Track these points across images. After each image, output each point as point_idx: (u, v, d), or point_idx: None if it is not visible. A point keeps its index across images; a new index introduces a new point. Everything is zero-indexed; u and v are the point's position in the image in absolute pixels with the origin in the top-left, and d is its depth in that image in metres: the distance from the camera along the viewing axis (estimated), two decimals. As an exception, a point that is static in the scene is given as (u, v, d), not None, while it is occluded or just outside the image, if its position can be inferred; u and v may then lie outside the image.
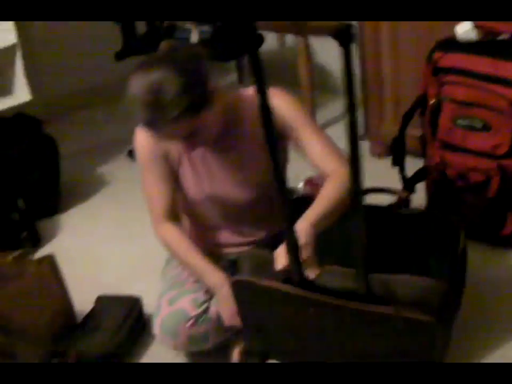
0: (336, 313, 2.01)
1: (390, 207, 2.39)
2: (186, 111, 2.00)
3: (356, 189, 1.74)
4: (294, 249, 1.93)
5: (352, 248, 1.85)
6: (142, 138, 2.31)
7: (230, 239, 2.45)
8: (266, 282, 2.07)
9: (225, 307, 2.24)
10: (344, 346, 2.09)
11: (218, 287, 2.25)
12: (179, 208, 2.39)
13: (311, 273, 2.01)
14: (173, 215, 2.34)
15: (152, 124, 2.05)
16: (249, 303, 2.18)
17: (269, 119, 1.68)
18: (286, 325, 2.16)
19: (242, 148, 2.29)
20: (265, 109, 1.63)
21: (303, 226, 2.01)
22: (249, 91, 2.27)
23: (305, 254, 1.98)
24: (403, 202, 2.40)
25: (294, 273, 1.99)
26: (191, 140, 2.16)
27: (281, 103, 2.20)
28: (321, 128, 2.31)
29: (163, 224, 2.33)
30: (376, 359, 2.06)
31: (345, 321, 2.02)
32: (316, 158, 2.21)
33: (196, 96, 2.01)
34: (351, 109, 1.60)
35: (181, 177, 2.33)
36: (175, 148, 2.28)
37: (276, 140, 1.74)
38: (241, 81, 4.81)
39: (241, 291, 2.15)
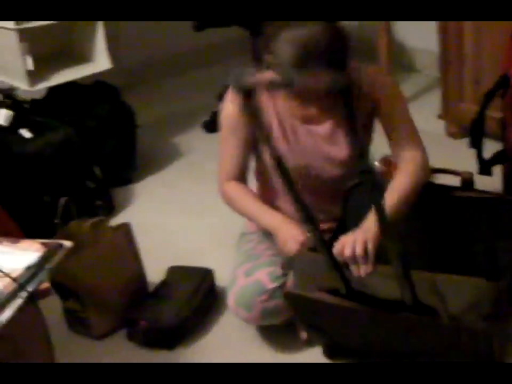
0: (387, 321, 2.00)
1: (454, 188, 2.34)
2: (348, 60, 2.05)
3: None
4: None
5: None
6: (234, 100, 2.28)
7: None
8: (314, 295, 2.07)
9: (283, 241, 2.22)
10: (399, 345, 2.08)
11: (278, 226, 2.24)
12: (247, 175, 2.41)
13: (363, 271, 2.00)
14: (241, 179, 2.37)
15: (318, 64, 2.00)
16: (304, 310, 2.19)
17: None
18: (342, 327, 2.16)
19: (334, 123, 2.29)
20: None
21: (370, 224, 2.03)
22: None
23: (370, 247, 1.99)
24: (467, 184, 2.35)
25: (341, 280, 1.99)
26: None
27: (385, 82, 2.25)
28: (409, 112, 2.31)
29: (229, 182, 2.36)
30: (432, 358, 2.05)
31: (396, 328, 2.01)
32: (397, 142, 2.24)
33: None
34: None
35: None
36: (265, 116, 2.28)
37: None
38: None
39: (293, 300, 2.16)
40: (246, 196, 2.35)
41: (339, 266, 1.99)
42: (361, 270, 2.00)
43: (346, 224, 2.18)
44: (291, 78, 2.00)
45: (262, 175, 2.46)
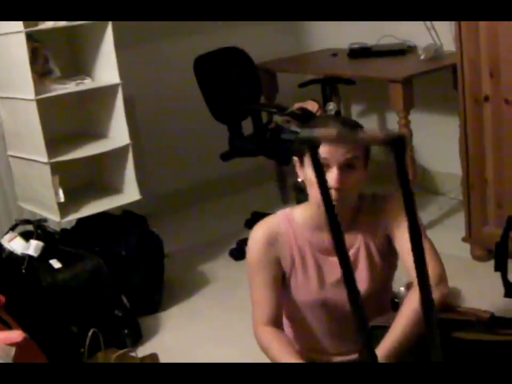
0: None
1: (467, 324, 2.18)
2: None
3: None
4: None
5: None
6: (258, 237, 2.33)
7: (331, 347, 2.43)
8: None
9: None
10: None
11: None
12: (283, 315, 2.39)
13: None
14: (276, 322, 2.34)
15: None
16: None
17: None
18: None
19: (359, 250, 2.30)
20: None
21: (382, 353, 2.03)
22: (368, 195, 2.32)
23: None
24: (483, 324, 2.17)
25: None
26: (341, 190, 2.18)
27: (396, 208, 2.23)
28: (426, 237, 2.27)
29: (264, 328, 2.33)
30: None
31: None
32: (411, 266, 2.21)
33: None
34: (412, 224, 1.57)
35: (292, 282, 2.34)
36: (288, 251, 2.31)
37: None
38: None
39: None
40: (277, 346, 2.29)
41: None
42: None
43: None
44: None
45: (291, 314, 2.46)
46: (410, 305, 2.11)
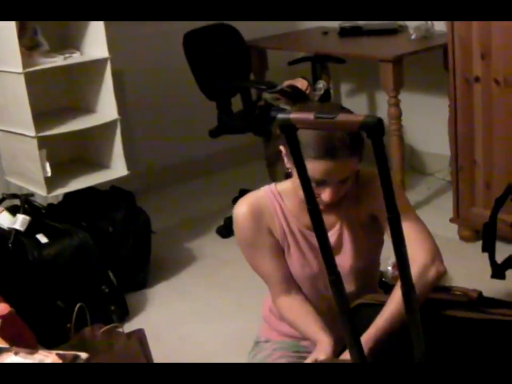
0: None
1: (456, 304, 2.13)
2: (360, 150, 2.09)
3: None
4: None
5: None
6: (243, 212, 2.28)
7: (326, 320, 2.40)
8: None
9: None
10: None
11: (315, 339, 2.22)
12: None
13: None
14: (291, 286, 2.31)
15: (331, 154, 2.05)
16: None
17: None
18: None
19: (342, 228, 2.29)
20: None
21: (366, 340, 2.00)
22: None
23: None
24: (473, 304, 2.11)
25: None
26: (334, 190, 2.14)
27: (379, 186, 2.19)
28: (416, 215, 2.23)
29: (281, 299, 2.30)
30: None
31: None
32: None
33: (362, 142, 2.10)
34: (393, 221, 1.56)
35: (286, 256, 2.33)
36: (277, 223, 2.29)
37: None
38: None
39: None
40: (294, 313, 2.29)
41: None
42: None
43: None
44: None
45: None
46: (398, 291, 2.09)
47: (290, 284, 2.31)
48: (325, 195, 2.12)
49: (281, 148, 2.21)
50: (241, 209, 2.29)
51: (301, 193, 1.81)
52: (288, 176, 2.29)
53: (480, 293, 2.10)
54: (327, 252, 1.76)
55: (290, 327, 2.34)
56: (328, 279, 1.79)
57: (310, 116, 1.55)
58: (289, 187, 2.28)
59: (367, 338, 2.04)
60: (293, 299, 2.31)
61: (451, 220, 3.75)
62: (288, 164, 2.20)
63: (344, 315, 1.81)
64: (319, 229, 1.74)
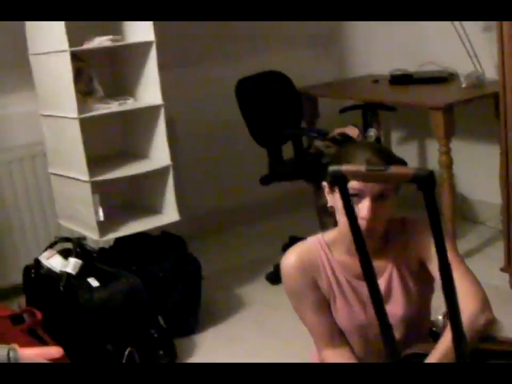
0: None
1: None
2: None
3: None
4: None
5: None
6: (291, 263, 2.29)
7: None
8: None
9: None
10: None
11: None
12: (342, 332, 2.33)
13: None
14: (337, 341, 2.30)
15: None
16: None
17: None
18: None
19: (392, 275, 2.28)
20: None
21: None
22: (397, 219, 2.29)
23: None
24: None
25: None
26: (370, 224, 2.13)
27: (428, 233, 2.18)
28: (465, 265, 2.20)
29: (325, 352, 2.30)
30: None
31: None
32: None
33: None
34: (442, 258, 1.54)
35: (332, 307, 2.32)
36: (323, 275, 2.29)
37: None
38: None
39: None
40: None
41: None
42: None
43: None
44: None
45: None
46: (447, 337, 2.06)
47: (335, 337, 2.30)
48: (363, 211, 2.11)
49: (324, 183, 2.23)
50: (290, 260, 2.30)
51: (347, 239, 1.81)
52: (323, 212, 2.30)
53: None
54: (377, 301, 1.74)
55: None
56: (379, 328, 1.78)
57: (361, 168, 1.56)
58: (336, 236, 2.28)
59: None
60: (337, 353, 2.29)
61: (502, 269, 3.70)
62: (330, 202, 2.21)
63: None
64: (370, 277, 1.73)
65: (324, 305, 2.30)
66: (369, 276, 1.74)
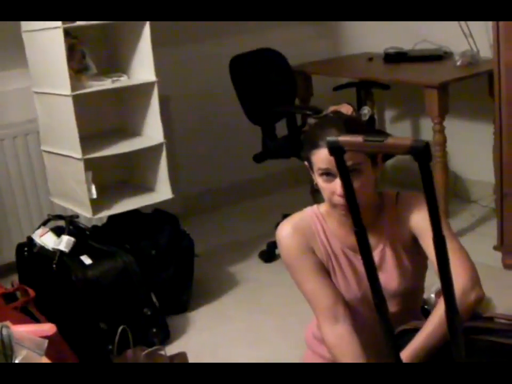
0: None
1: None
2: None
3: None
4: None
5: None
6: (287, 231, 2.30)
7: (368, 342, 2.38)
8: None
9: None
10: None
11: None
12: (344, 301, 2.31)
13: None
14: (339, 313, 2.26)
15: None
16: None
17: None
18: None
19: (385, 248, 2.28)
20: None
21: (406, 357, 2.01)
22: (391, 193, 2.29)
23: None
24: None
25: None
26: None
27: (421, 207, 2.18)
28: (458, 241, 2.22)
29: (328, 327, 2.26)
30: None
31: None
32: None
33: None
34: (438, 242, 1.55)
35: (333, 280, 2.31)
36: (320, 244, 2.29)
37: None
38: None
39: None
40: (344, 351, 2.23)
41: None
42: None
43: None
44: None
45: None
46: (438, 311, 2.08)
47: (338, 309, 2.27)
48: (337, 188, 2.12)
49: (305, 163, 2.23)
50: (285, 229, 2.31)
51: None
52: (316, 191, 2.30)
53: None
54: (372, 274, 1.74)
55: (333, 358, 2.31)
56: (373, 303, 1.78)
57: (359, 138, 1.56)
58: (330, 207, 2.28)
59: (407, 354, 2.03)
60: (339, 331, 2.25)
61: (495, 248, 3.71)
62: (314, 180, 2.22)
63: (389, 338, 1.79)
64: (365, 251, 1.73)
65: (323, 270, 2.29)
66: (364, 249, 1.74)
